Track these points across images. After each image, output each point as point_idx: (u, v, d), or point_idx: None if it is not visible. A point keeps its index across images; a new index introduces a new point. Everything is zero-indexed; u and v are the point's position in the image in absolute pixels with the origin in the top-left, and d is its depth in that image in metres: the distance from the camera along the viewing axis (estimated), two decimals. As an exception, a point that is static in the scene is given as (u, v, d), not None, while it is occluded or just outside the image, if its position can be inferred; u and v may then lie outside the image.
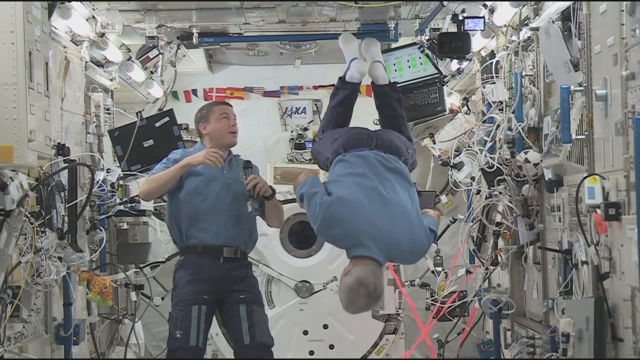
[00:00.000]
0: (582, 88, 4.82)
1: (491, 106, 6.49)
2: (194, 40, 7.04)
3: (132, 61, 7.15)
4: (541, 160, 5.64)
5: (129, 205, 6.99)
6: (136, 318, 7.14)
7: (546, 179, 5.57)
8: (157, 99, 8.53)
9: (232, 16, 6.66)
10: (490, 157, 6.10)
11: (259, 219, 5.56)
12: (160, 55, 7.19)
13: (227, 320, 5.42)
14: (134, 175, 6.99)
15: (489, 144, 6.31)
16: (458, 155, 6.76)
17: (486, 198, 6.28)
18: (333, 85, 8.70)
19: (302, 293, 7.76)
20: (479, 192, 6.62)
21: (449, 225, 7.68)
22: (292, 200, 7.44)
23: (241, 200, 5.33)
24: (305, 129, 8.43)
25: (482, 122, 6.68)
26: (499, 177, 6.04)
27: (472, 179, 6.69)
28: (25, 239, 4.84)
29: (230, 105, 5.65)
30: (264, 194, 5.33)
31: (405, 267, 7.91)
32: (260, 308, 5.42)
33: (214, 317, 5.54)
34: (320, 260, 7.74)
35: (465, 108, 6.95)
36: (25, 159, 4.50)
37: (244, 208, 5.29)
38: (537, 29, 5.59)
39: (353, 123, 5.56)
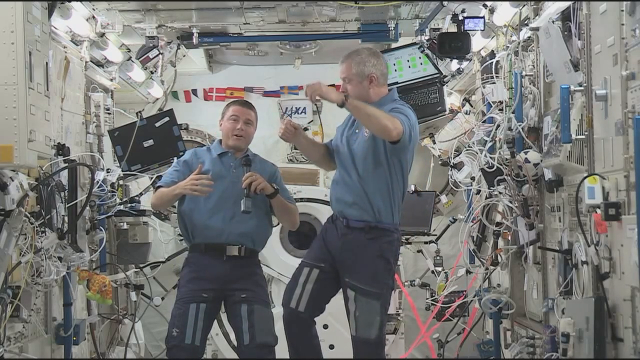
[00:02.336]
0: (582, 88, 4.82)
1: (491, 106, 6.49)
2: (194, 40, 7.05)
3: (132, 61, 7.15)
4: (541, 160, 5.64)
5: (129, 205, 6.99)
6: (136, 318, 7.15)
7: (546, 179, 5.57)
8: (157, 99, 8.53)
9: (232, 16, 6.67)
10: (490, 157, 6.09)
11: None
12: (160, 55, 7.20)
13: (230, 319, 5.43)
14: (134, 175, 6.99)
15: (489, 144, 6.31)
16: (458, 155, 6.76)
17: (486, 198, 6.27)
18: (333, 85, 8.76)
19: (302, 293, 7.75)
20: (479, 192, 6.62)
21: (449, 225, 7.69)
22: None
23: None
24: (305, 129, 8.42)
25: (482, 122, 6.68)
26: (499, 177, 6.04)
27: (472, 179, 6.68)
28: (25, 239, 4.83)
29: (250, 108, 5.53)
30: (265, 193, 5.31)
31: (405, 267, 7.92)
32: (263, 307, 5.39)
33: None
34: (320, 260, 7.73)
35: (468, 106, 6.95)
36: (25, 159, 4.49)
37: (252, 206, 5.28)
38: (537, 29, 5.58)
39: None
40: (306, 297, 5.08)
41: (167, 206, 5.62)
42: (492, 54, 6.64)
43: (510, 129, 5.93)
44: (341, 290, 5.13)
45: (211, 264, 5.31)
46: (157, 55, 7.09)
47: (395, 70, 6.97)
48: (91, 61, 6.64)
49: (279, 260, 7.77)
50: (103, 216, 6.61)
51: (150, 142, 7.01)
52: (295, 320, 5.11)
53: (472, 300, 7.03)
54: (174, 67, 8.20)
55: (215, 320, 5.93)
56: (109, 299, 6.18)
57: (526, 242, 5.97)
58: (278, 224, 6.83)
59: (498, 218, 6.49)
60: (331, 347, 7.60)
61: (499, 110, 6.27)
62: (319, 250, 5.20)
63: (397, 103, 5.10)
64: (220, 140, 5.56)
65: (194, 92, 8.81)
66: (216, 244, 5.32)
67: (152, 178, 7.19)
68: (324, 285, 5.12)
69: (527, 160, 5.75)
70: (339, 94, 4.86)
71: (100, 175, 6.39)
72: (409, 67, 6.96)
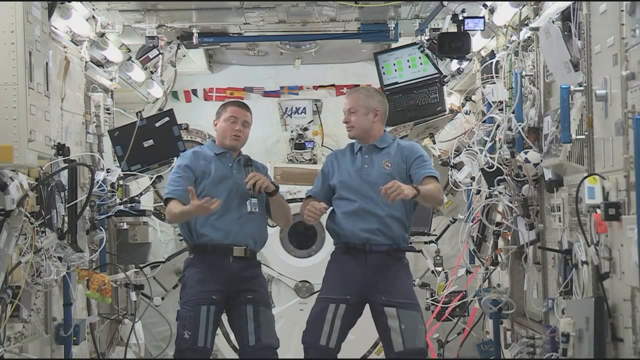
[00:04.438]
0: (582, 88, 4.82)
1: (491, 106, 6.49)
2: (194, 40, 7.04)
3: (132, 61, 7.14)
4: (541, 160, 5.64)
5: (129, 205, 6.99)
6: (136, 318, 7.15)
7: (546, 179, 5.57)
8: (157, 99, 8.53)
9: (232, 16, 6.66)
10: (490, 157, 6.09)
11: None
12: (160, 55, 7.19)
13: (234, 320, 5.40)
14: (134, 175, 6.99)
15: (489, 144, 6.31)
16: (458, 155, 6.76)
17: (486, 198, 6.27)
18: (333, 85, 8.79)
19: (302, 293, 7.76)
20: (479, 192, 6.62)
21: (449, 225, 7.70)
22: (293, 200, 7.45)
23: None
24: (305, 129, 8.43)
25: (482, 122, 6.68)
26: (499, 177, 6.04)
27: (472, 179, 6.68)
28: (25, 239, 4.83)
29: (247, 109, 5.55)
30: (266, 191, 5.33)
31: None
32: (267, 309, 5.42)
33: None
34: (320, 260, 7.73)
35: (468, 106, 6.95)
36: (25, 159, 4.49)
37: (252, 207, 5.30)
38: (537, 29, 5.58)
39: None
40: (336, 333, 5.17)
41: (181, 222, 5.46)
42: (492, 54, 6.64)
43: (510, 129, 5.93)
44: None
45: (218, 265, 5.30)
46: (157, 55, 7.08)
47: (395, 70, 6.99)
48: (91, 61, 6.63)
49: (279, 260, 7.77)
50: (103, 216, 6.60)
51: (150, 142, 7.02)
52: (326, 357, 5.19)
53: (472, 300, 7.04)
54: (174, 67, 8.19)
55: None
56: (109, 298, 6.18)
57: (526, 242, 5.97)
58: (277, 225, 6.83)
59: (498, 218, 6.49)
60: None
61: (499, 110, 6.27)
62: (341, 283, 5.26)
63: (398, 142, 5.44)
64: (214, 140, 5.57)
65: (194, 92, 8.81)
66: (223, 245, 5.31)
67: (152, 178, 7.21)
68: (350, 318, 5.25)
69: (527, 160, 5.75)
70: (411, 188, 4.99)
71: (100, 175, 6.38)
72: (409, 67, 6.97)
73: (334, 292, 5.24)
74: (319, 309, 5.23)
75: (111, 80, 7.17)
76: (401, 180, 5.15)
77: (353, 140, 5.51)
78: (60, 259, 5.36)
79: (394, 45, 7.27)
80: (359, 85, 8.67)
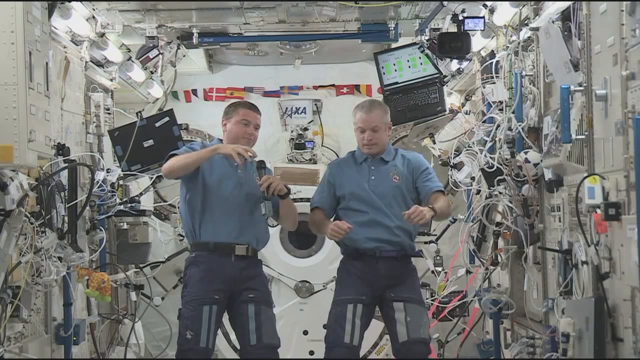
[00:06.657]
0: (582, 88, 4.81)
1: (491, 106, 6.49)
2: (194, 40, 7.05)
3: (132, 61, 7.15)
4: (541, 160, 5.64)
5: (129, 205, 6.99)
6: (136, 318, 7.15)
7: (546, 179, 5.57)
8: (157, 99, 8.53)
9: (232, 16, 6.67)
10: (490, 157, 6.09)
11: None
12: (160, 55, 7.19)
13: (235, 319, 5.39)
14: (134, 175, 6.99)
15: (489, 144, 6.31)
16: (458, 155, 6.76)
17: (486, 198, 6.28)
18: (333, 85, 8.79)
19: (302, 293, 7.76)
20: (479, 192, 6.62)
21: (449, 225, 7.69)
22: (293, 201, 7.43)
23: (254, 199, 5.34)
24: (305, 129, 8.43)
25: (482, 122, 6.68)
26: (499, 177, 6.04)
27: (472, 179, 6.68)
28: (25, 239, 4.83)
29: (258, 112, 5.55)
30: (279, 193, 5.34)
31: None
32: (269, 308, 5.42)
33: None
34: (320, 260, 7.74)
35: (471, 102, 6.95)
36: (25, 159, 4.49)
37: (256, 207, 5.31)
38: (537, 29, 5.58)
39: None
40: (357, 331, 5.31)
41: (186, 170, 5.22)
42: (492, 54, 6.64)
43: (510, 129, 5.93)
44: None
45: (221, 264, 5.29)
46: (157, 55, 7.08)
47: (395, 70, 6.99)
48: (91, 61, 6.63)
49: (279, 260, 7.77)
50: (103, 216, 6.60)
51: (150, 142, 7.02)
52: (351, 354, 5.29)
53: (472, 300, 7.03)
54: (174, 67, 8.19)
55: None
56: (108, 296, 6.18)
57: (526, 242, 5.97)
58: (276, 225, 6.84)
59: (498, 218, 6.49)
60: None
61: (499, 110, 6.27)
62: (355, 285, 5.40)
63: (401, 152, 5.63)
64: (221, 140, 5.57)
65: (194, 92, 8.81)
66: (225, 244, 5.32)
67: (152, 178, 7.20)
68: (367, 318, 5.41)
69: (527, 160, 5.75)
70: (429, 210, 5.21)
71: (100, 175, 6.38)
72: (409, 67, 6.98)
73: (349, 293, 5.37)
74: (339, 310, 5.35)
75: (111, 80, 7.18)
76: (407, 191, 5.43)
77: (354, 149, 5.63)
78: (60, 259, 5.36)
79: (394, 45, 7.27)
80: (358, 85, 8.70)
